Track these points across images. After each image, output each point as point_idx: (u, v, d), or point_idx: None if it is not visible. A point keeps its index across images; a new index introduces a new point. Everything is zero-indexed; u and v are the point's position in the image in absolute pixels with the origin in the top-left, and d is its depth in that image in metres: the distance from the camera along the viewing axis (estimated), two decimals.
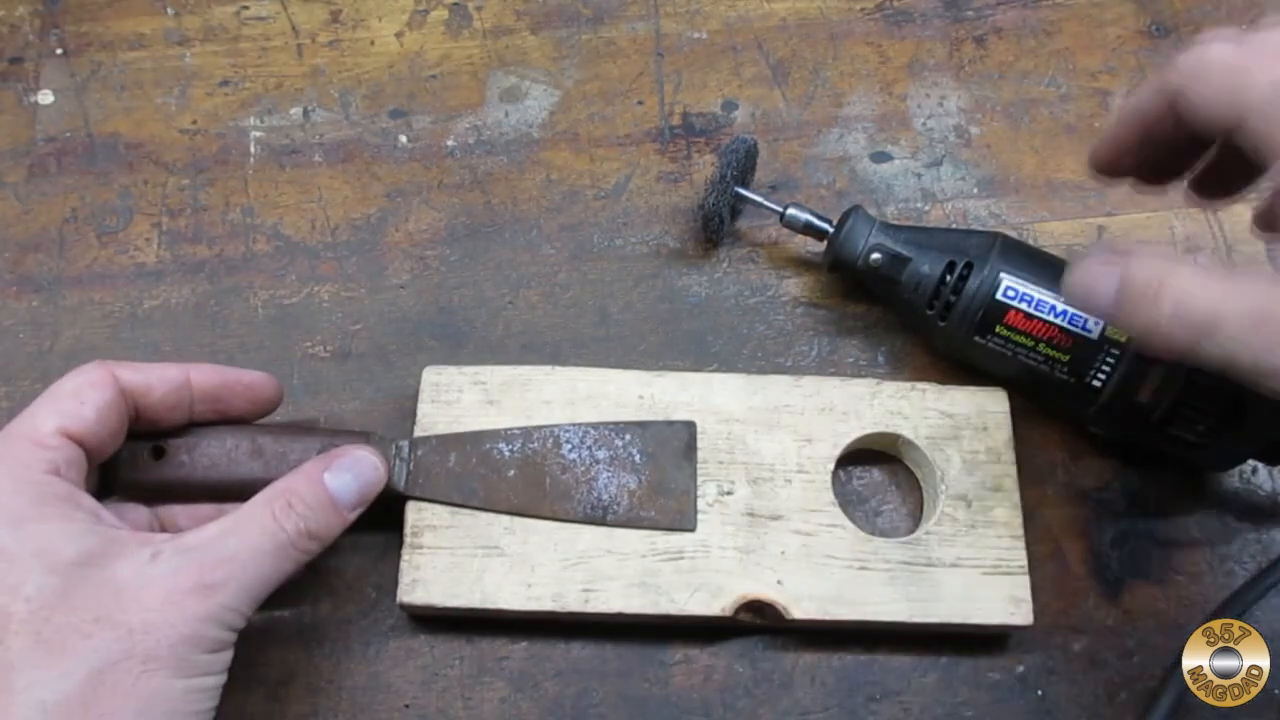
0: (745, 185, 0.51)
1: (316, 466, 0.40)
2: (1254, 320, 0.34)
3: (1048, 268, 0.45)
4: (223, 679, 0.37)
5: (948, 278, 0.46)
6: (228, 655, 0.37)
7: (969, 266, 0.45)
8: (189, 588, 0.36)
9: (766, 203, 0.50)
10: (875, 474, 0.48)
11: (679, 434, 0.46)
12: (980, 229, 0.48)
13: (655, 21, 0.59)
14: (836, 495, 0.45)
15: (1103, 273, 0.38)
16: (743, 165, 0.50)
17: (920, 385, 0.47)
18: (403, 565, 0.43)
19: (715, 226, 0.51)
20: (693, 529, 0.44)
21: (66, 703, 0.33)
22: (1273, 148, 0.36)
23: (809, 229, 0.50)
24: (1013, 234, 0.53)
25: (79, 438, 0.38)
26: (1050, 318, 0.44)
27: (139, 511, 0.42)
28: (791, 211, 0.49)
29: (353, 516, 0.41)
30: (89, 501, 0.38)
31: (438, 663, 0.45)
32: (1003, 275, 0.45)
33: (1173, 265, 0.37)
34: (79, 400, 0.39)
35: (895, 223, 0.50)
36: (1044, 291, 0.44)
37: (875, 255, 0.47)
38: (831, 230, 0.49)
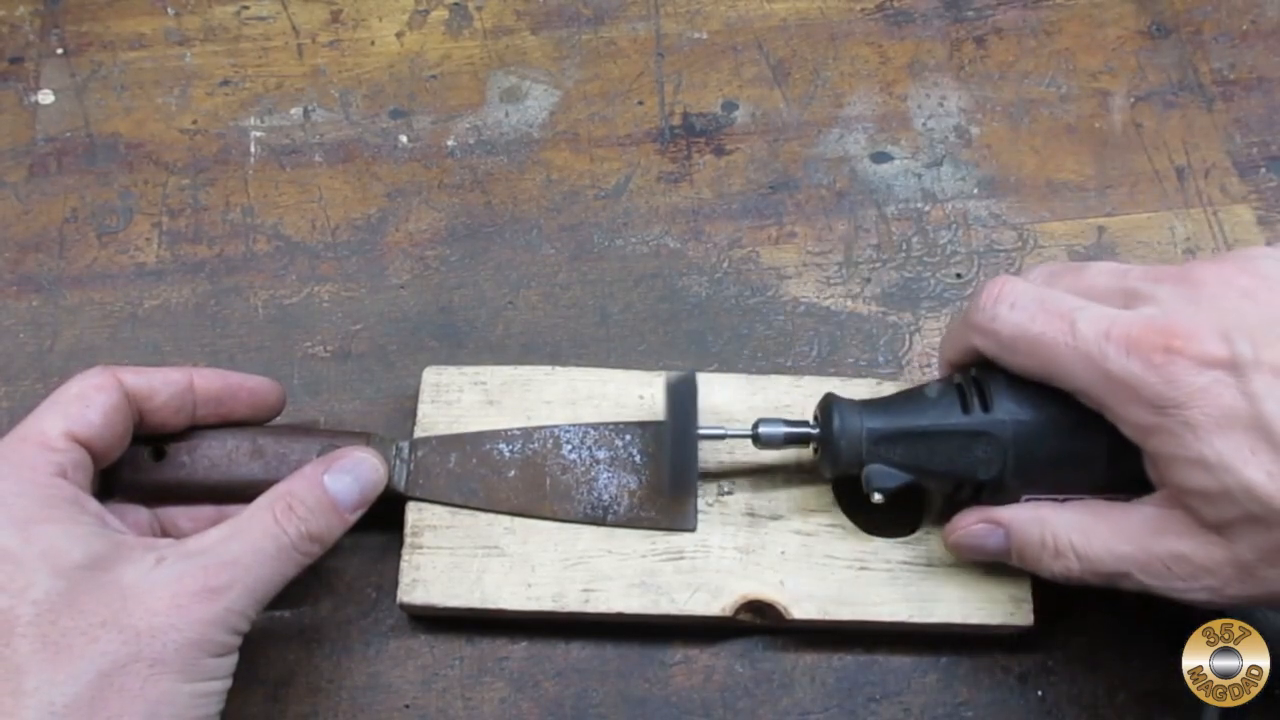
0: (699, 425, 0.43)
1: (317, 469, 0.41)
2: (1162, 565, 0.36)
3: (1069, 463, 0.39)
4: (228, 683, 0.37)
5: (959, 493, 0.42)
6: (233, 659, 0.37)
7: (979, 488, 0.41)
8: (194, 592, 0.36)
9: (732, 432, 0.43)
10: None
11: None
12: (984, 425, 0.39)
13: (655, 21, 0.59)
14: (837, 495, 0.45)
15: (987, 531, 0.41)
16: (694, 405, 0.43)
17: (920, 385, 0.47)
18: (403, 565, 0.43)
19: (691, 479, 0.43)
20: (693, 529, 0.44)
21: (74, 705, 0.33)
22: (1113, 416, 0.37)
23: (792, 441, 0.43)
24: (1012, 235, 0.53)
25: (85, 441, 0.38)
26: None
27: (140, 513, 0.42)
28: (764, 430, 0.42)
29: (354, 518, 0.41)
30: (94, 505, 0.38)
31: (438, 663, 0.45)
32: (1024, 498, 0.40)
33: (1052, 513, 0.39)
34: (84, 404, 0.39)
35: (882, 402, 0.42)
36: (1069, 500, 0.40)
37: (877, 496, 0.41)
38: (815, 430, 0.42)
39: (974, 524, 0.41)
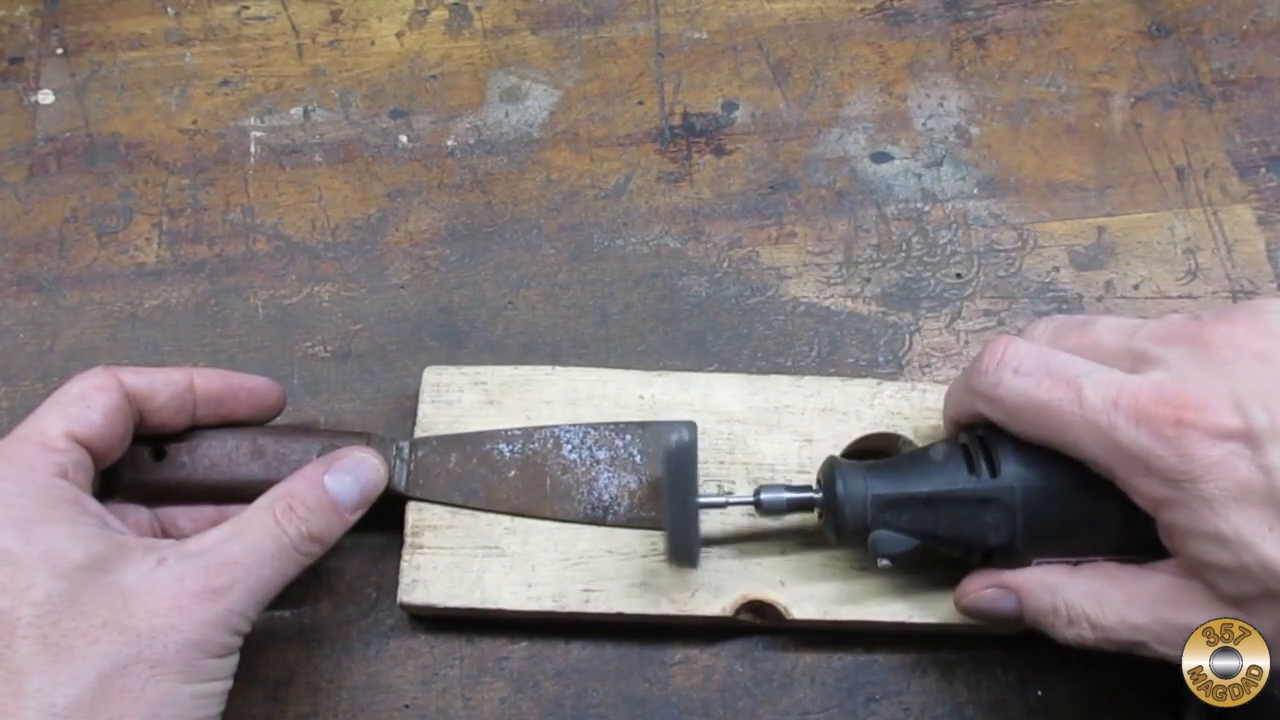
0: (699, 495, 0.42)
1: (317, 469, 0.40)
2: (1180, 637, 0.35)
3: (1080, 528, 0.39)
4: (229, 684, 0.37)
5: (968, 558, 0.41)
6: (234, 660, 0.37)
7: (989, 552, 0.40)
8: (195, 593, 0.36)
9: (733, 500, 0.42)
10: None
11: (680, 434, 0.45)
12: (992, 490, 0.38)
13: (655, 21, 0.59)
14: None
15: (998, 596, 0.39)
16: (695, 473, 0.42)
17: (920, 385, 0.47)
18: (403, 565, 0.43)
19: (694, 548, 0.42)
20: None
21: (75, 706, 0.33)
22: (1124, 486, 0.36)
23: (795, 507, 0.42)
24: (1012, 235, 0.53)
25: (85, 441, 0.38)
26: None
27: (140, 513, 0.42)
28: (767, 497, 0.41)
29: (354, 518, 0.41)
30: (95, 505, 0.38)
31: (438, 663, 0.45)
32: (1036, 560, 0.40)
33: (1065, 580, 0.38)
34: (85, 404, 0.39)
35: (887, 465, 0.41)
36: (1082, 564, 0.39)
37: (884, 561, 0.40)
38: (819, 495, 0.41)
39: (984, 589, 0.40)
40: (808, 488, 0.42)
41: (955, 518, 0.39)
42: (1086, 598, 0.37)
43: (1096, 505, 0.38)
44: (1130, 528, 0.37)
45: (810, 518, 0.43)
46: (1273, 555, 0.32)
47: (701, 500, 0.41)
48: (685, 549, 0.41)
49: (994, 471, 0.39)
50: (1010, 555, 0.39)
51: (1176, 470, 0.33)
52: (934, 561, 0.44)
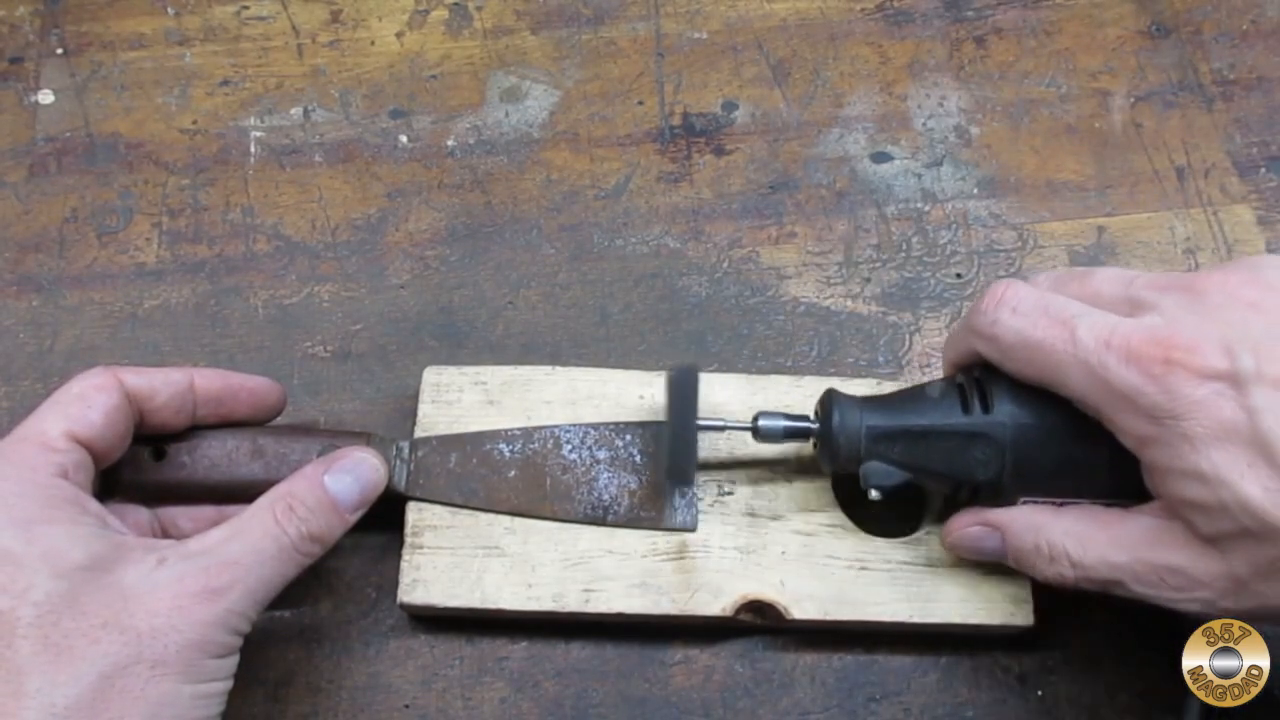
0: (699, 416, 0.43)
1: (317, 469, 0.40)
2: (1156, 576, 0.36)
3: (1068, 469, 0.39)
4: (229, 684, 0.37)
5: (957, 493, 0.42)
6: (234, 660, 0.37)
7: (977, 489, 0.41)
8: (195, 593, 0.36)
9: (731, 424, 0.43)
10: None
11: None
12: (983, 426, 0.39)
13: (655, 21, 0.59)
14: (837, 496, 0.45)
15: (983, 534, 0.41)
16: (695, 396, 0.43)
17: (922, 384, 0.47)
18: (403, 565, 0.43)
19: (690, 469, 0.43)
20: (693, 529, 0.44)
21: (76, 707, 0.33)
22: (1111, 425, 0.36)
23: (791, 435, 0.43)
24: (1012, 235, 0.53)
25: (86, 441, 0.38)
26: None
27: (140, 513, 0.42)
28: (764, 424, 0.42)
29: (354, 518, 0.41)
30: (95, 506, 0.38)
31: (438, 663, 0.45)
32: (1022, 499, 0.40)
33: (1049, 519, 0.39)
34: (85, 404, 0.39)
35: (883, 399, 0.42)
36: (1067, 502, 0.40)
37: (874, 493, 0.41)
38: (815, 426, 0.42)
39: (970, 525, 0.41)
40: (805, 417, 0.43)
41: (946, 452, 0.40)
42: (1069, 537, 0.38)
43: (1086, 448, 0.38)
44: (1117, 473, 0.38)
45: (806, 447, 0.44)
46: (1250, 493, 0.33)
47: (701, 422, 0.43)
48: (683, 468, 0.43)
49: (987, 409, 0.39)
50: (998, 492, 0.40)
51: (1161, 408, 0.34)
52: (924, 502, 0.45)
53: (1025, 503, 0.40)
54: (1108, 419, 0.36)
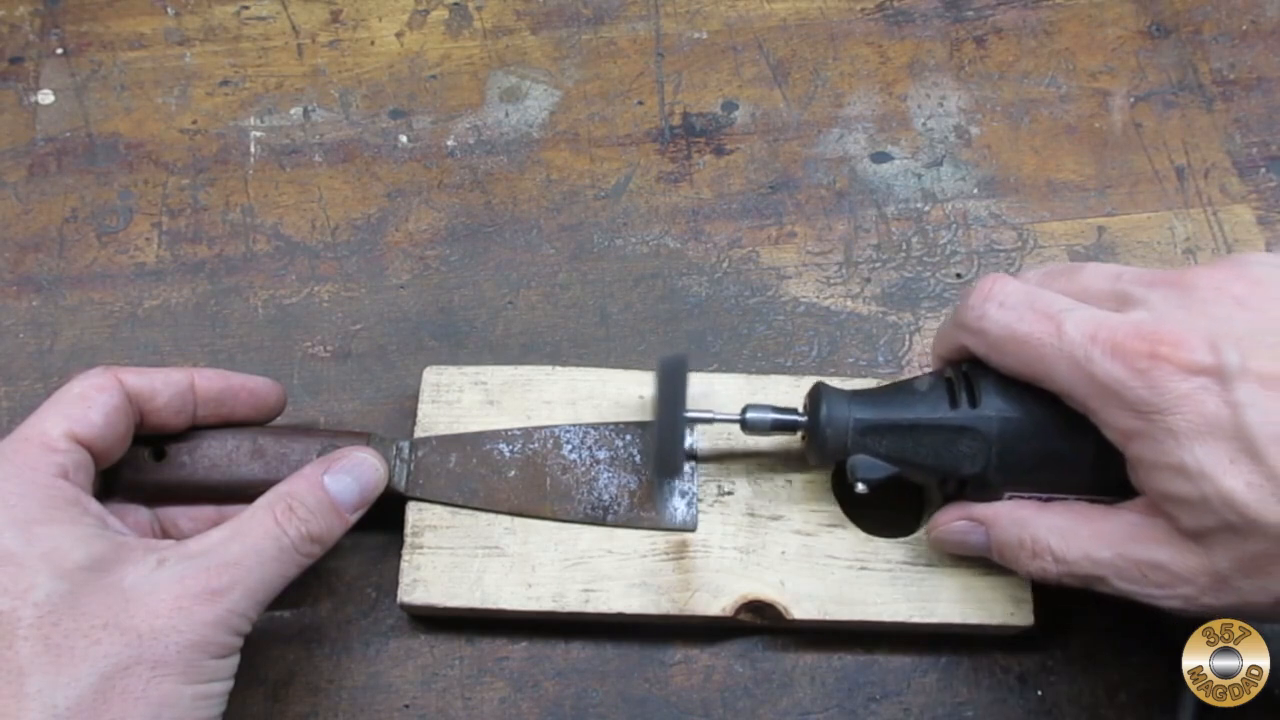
0: (687, 408, 0.43)
1: (317, 469, 0.41)
2: (1139, 571, 0.36)
3: (1053, 463, 0.39)
4: (229, 685, 0.37)
5: (943, 487, 0.42)
6: (234, 660, 0.37)
7: (963, 483, 0.41)
8: (196, 593, 0.36)
9: (720, 416, 0.43)
10: None
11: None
12: (970, 420, 0.39)
13: (655, 21, 0.59)
14: (837, 495, 0.45)
15: (968, 528, 0.41)
16: (684, 387, 0.43)
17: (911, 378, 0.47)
18: (403, 565, 0.43)
19: (677, 461, 0.43)
20: (693, 529, 0.44)
21: (77, 707, 0.33)
22: (1096, 420, 0.36)
23: (779, 428, 0.43)
24: (1012, 235, 0.53)
25: (86, 442, 0.38)
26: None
27: (140, 513, 0.42)
28: (752, 415, 0.42)
29: (354, 518, 0.41)
30: (95, 506, 0.38)
31: (438, 663, 0.45)
32: (1008, 493, 0.41)
33: (1033, 514, 0.39)
34: (86, 405, 0.39)
35: (871, 393, 0.42)
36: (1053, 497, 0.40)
37: (861, 486, 0.41)
38: (802, 418, 0.42)
39: (955, 520, 0.41)
40: (793, 410, 0.43)
41: (933, 445, 0.40)
42: (1053, 532, 0.38)
43: (1071, 443, 0.38)
44: (1102, 469, 0.38)
45: (794, 440, 0.44)
46: (1232, 487, 0.33)
47: (689, 414, 0.42)
48: (670, 460, 0.42)
49: (974, 403, 0.40)
50: (984, 486, 0.40)
51: (1146, 402, 0.34)
52: (923, 501, 0.45)
53: (1011, 497, 0.40)
54: (1093, 413, 0.36)
